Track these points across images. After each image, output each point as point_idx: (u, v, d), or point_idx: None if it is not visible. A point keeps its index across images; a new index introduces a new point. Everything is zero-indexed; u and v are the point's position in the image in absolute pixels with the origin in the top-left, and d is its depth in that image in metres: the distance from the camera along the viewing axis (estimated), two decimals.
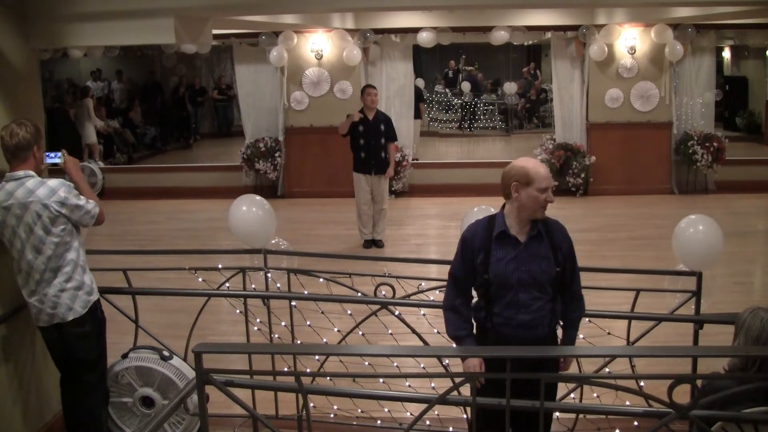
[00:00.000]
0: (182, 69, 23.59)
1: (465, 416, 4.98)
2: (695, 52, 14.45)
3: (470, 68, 25.58)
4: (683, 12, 11.63)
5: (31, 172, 4.78)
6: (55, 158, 4.99)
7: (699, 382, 3.60)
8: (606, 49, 13.77)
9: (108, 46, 14.74)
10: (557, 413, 4.94)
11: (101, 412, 5.24)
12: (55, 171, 5.22)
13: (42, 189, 4.73)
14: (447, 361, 5.21)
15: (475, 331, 4.34)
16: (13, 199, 4.70)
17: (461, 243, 4.28)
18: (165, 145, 21.37)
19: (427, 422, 5.48)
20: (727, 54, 22.37)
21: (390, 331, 5.52)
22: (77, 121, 16.77)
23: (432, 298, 5.50)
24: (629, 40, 13.97)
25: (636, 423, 4.90)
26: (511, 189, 4.16)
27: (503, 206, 4.30)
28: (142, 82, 23.38)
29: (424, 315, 5.53)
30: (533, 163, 4.18)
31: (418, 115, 17.09)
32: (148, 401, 5.49)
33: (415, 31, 14.06)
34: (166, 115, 22.08)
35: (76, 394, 5.17)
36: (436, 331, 5.34)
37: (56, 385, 5.46)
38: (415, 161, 15.66)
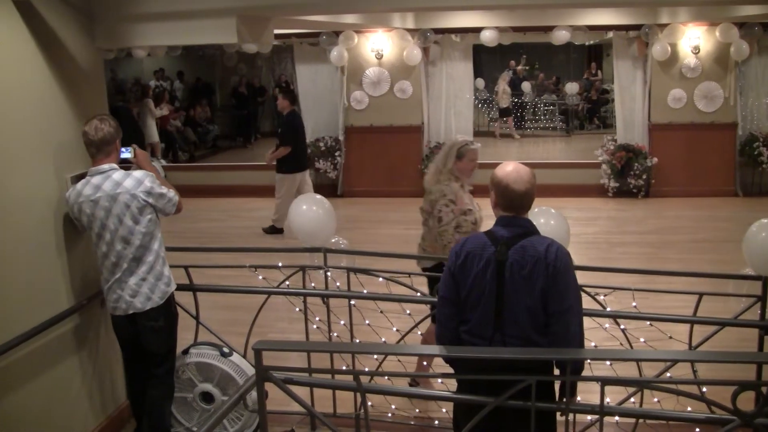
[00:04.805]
0: (243, 68, 23.83)
1: None
2: (761, 52, 14.12)
3: (519, 68, 25.28)
4: (749, 10, 11.40)
5: (115, 165, 4.94)
6: (126, 153, 5.11)
7: (764, 390, 3.53)
8: (669, 48, 13.56)
9: (171, 46, 14.98)
10: (617, 417, 4.89)
11: (166, 405, 5.33)
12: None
13: (129, 180, 4.87)
14: None
15: None
16: (101, 192, 4.82)
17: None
18: (228, 143, 21.65)
19: None
20: None
21: None
22: (140, 119, 17.03)
23: None
24: (693, 40, 13.72)
25: (698, 430, 4.82)
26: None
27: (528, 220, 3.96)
28: (200, 81, 23.70)
29: None
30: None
31: None
32: (207, 397, 5.57)
33: (476, 30, 14.00)
34: (226, 114, 22.34)
35: (143, 385, 5.28)
36: None
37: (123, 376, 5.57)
38: None
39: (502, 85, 22.01)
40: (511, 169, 3.90)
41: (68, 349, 5.25)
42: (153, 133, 17.21)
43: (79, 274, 5.28)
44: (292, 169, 11.90)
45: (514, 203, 3.85)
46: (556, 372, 3.78)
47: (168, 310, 5.13)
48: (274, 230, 12.26)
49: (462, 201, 5.78)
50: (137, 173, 4.94)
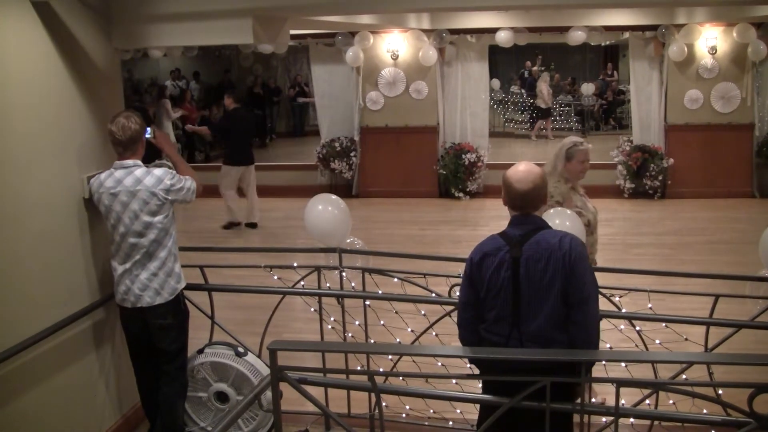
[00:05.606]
0: (259, 69, 23.87)
1: None
2: None
3: (534, 69, 25.15)
4: (767, 10, 11.34)
5: (139, 162, 5.01)
6: (147, 134, 5.15)
7: None
8: (686, 49, 13.51)
9: (187, 46, 15.03)
10: (632, 419, 4.88)
11: (179, 403, 5.35)
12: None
13: (149, 178, 4.93)
14: None
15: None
16: (122, 187, 4.90)
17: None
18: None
19: None
20: None
21: None
22: (156, 120, 17.08)
23: None
24: (710, 40, 13.67)
25: None
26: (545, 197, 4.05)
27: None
28: (218, 81, 23.73)
29: None
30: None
31: None
32: (222, 396, 5.58)
33: (491, 31, 13.99)
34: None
35: (155, 382, 5.30)
36: None
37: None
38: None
39: (545, 87, 21.91)
40: (518, 168, 3.98)
41: (86, 346, 5.29)
42: (170, 134, 17.25)
43: (99, 272, 5.33)
44: (231, 162, 12.80)
45: (515, 202, 3.93)
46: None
47: (177, 307, 5.16)
48: (231, 225, 12.96)
49: (571, 203, 5.73)
50: (158, 171, 4.99)
